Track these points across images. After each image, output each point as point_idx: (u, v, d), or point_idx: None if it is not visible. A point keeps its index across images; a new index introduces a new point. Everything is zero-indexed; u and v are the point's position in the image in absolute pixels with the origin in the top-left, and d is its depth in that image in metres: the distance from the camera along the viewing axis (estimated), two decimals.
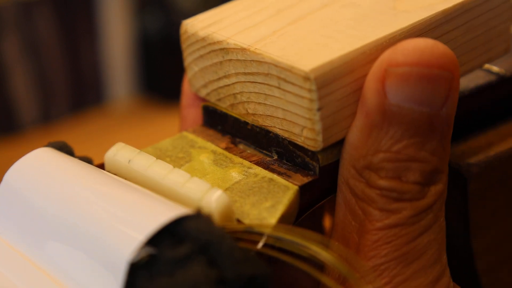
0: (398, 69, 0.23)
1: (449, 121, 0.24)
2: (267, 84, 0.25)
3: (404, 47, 0.23)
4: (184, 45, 0.29)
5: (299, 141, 0.25)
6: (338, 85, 0.24)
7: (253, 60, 0.26)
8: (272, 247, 0.22)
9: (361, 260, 0.24)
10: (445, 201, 0.25)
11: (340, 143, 0.25)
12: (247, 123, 0.28)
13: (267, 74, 0.25)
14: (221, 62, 0.27)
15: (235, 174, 0.26)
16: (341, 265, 0.21)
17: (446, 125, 0.24)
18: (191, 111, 0.31)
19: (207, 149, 0.28)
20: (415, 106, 0.24)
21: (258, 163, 0.27)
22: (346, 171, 0.25)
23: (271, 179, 0.26)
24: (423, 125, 0.24)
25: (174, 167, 0.28)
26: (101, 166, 0.27)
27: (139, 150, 0.26)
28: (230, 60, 0.27)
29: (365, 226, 0.24)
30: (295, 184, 0.25)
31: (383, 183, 0.24)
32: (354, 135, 0.25)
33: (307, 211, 0.27)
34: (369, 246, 0.24)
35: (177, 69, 1.04)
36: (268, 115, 0.26)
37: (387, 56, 0.24)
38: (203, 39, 0.27)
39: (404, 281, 0.24)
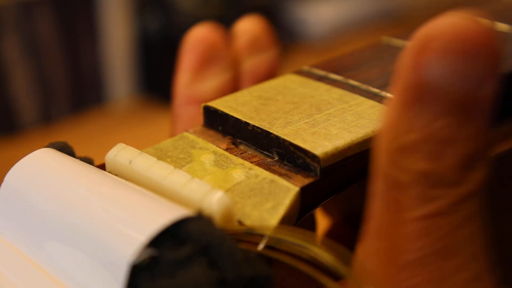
0: (437, 42, 0.22)
1: (490, 102, 0.23)
2: None
3: (445, 21, 0.22)
4: None
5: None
6: None
7: None
8: (273, 248, 0.22)
9: (396, 255, 0.22)
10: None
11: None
12: (248, 124, 0.28)
13: None
14: None
15: (236, 175, 0.26)
16: (342, 266, 0.21)
17: (486, 106, 0.23)
18: (185, 110, 0.31)
19: (208, 150, 0.28)
20: (455, 83, 0.22)
21: (259, 164, 0.27)
22: (378, 157, 0.23)
23: (272, 180, 0.26)
24: (462, 104, 0.22)
25: (175, 167, 0.28)
26: (102, 167, 0.27)
27: (139, 151, 0.26)
28: None
29: (400, 217, 0.22)
30: (296, 185, 0.25)
31: (417, 166, 0.22)
32: (387, 116, 0.23)
33: (308, 212, 0.27)
34: (404, 239, 0.22)
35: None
36: None
37: (427, 29, 0.22)
38: None
39: (445, 277, 0.22)
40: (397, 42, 0.35)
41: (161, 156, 0.28)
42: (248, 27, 0.37)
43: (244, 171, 0.27)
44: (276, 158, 0.27)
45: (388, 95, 0.29)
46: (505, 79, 0.31)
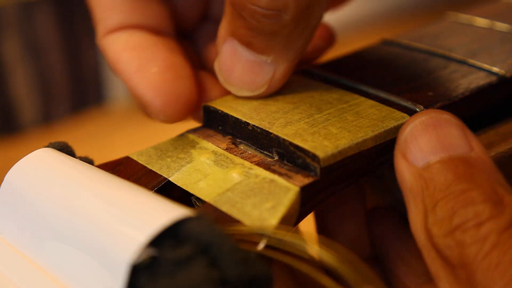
0: (406, 135, 0.25)
1: (485, 161, 0.25)
2: None
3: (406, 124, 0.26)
4: None
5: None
6: None
7: None
8: (273, 248, 0.22)
9: None
10: None
11: None
12: (248, 124, 0.28)
13: None
14: None
15: (236, 175, 0.26)
16: (343, 266, 0.21)
17: (484, 165, 0.25)
18: (114, 38, 0.31)
19: (208, 150, 0.28)
20: (442, 154, 0.25)
21: (259, 164, 0.27)
22: (420, 238, 0.25)
23: (272, 180, 0.26)
24: (461, 167, 0.24)
25: (175, 167, 0.28)
26: (102, 167, 0.27)
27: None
28: None
29: (469, 266, 0.23)
30: (296, 185, 0.25)
31: (455, 225, 0.23)
32: (414, 224, 0.25)
33: (308, 212, 0.27)
34: (483, 278, 0.23)
35: None
36: None
37: (398, 137, 0.26)
38: None
39: None
40: (397, 41, 0.35)
41: (161, 155, 0.28)
42: None
43: (244, 171, 0.27)
44: (276, 158, 0.27)
45: (388, 95, 0.29)
46: (505, 81, 0.31)
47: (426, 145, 0.25)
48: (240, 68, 0.29)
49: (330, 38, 0.35)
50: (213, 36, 0.33)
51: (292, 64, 0.29)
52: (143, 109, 0.31)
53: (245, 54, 0.29)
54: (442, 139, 0.25)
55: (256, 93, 0.30)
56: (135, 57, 0.30)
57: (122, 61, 0.31)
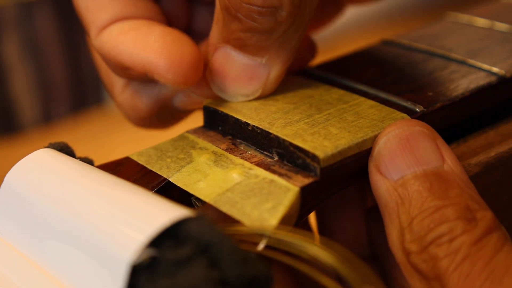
0: (380, 149, 0.26)
1: (458, 173, 0.25)
2: None
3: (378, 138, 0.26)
4: None
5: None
6: None
7: None
8: (273, 248, 0.22)
9: None
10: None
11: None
12: (248, 124, 0.28)
13: None
14: None
15: (236, 175, 0.26)
16: (342, 266, 0.21)
17: (457, 179, 0.25)
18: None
19: (208, 150, 0.28)
20: (416, 169, 0.25)
21: (259, 164, 0.27)
22: (398, 254, 0.25)
23: (272, 180, 0.26)
24: (435, 182, 0.25)
25: (175, 168, 0.28)
26: (102, 167, 0.27)
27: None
28: None
29: (442, 278, 0.24)
30: (296, 185, 0.25)
31: (429, 240, 0.24)
32: (391, 239, 0.25)
33: (308, 212, 0.27)
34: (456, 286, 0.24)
35: None
36: None
37: (372, 149, 0.26)
38: None
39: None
40: (397, 42, 0.35)
41: (161, 156, 0.28)
42: None
43: (244, 171, 0.27)
44: (276, 158, 0.27)
45: (388, 95, 0.29)
46: (505, 81, 0.31)
47: (400, 159, 0.26)
48: (234, 73, 0.29)
49: (313, 49, 0.35)
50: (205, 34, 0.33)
51: (286, 65, 0.30)
52: (151, 75, 0.30)
53: (239, 58, 0.29)
54: (415, 153, 0.26)
55: (251, 97, 0.30)
56: (131, 36, 0.30)
57: (119, 43, 0.30)
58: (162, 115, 0.34)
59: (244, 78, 0.29)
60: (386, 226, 0.26)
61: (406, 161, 0.26)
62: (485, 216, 0.25)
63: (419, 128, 0.26)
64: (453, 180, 0.25)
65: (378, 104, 0.29)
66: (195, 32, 0.36)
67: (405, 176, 0.25)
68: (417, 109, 0.28)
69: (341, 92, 0.30)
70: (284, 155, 0.27)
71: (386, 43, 0.35)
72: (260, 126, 0.28)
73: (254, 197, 0.25)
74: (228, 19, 0.28)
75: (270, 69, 0.29)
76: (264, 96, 0.30)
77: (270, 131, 0.27)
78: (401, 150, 0.26)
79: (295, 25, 0.28)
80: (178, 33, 0.30)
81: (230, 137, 0.29)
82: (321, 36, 0.40)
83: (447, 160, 0.26)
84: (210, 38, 0.30)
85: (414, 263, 0.24)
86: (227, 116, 0.29)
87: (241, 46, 0.28)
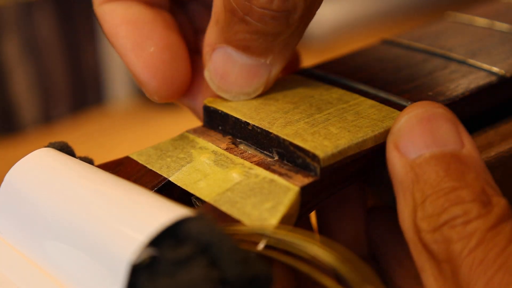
0: (400, 126, 0.26)
1: (476, 159, 0.25)
2: None
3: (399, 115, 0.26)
4: None
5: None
6: None
7: None
8: (273, 248, 0.22)
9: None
10: None
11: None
12: (248, 124, 0.28)
13: None
14: None
15: (236, 175, 0.26)
16: (343, 266, 0.21)
17: (475, 163, 0.25)
18: (109, 8, 0.31)
19: (208, 150, 0.28)
20: (434, 149, 0.25)
21: (259, 164, 0.27)
22: (408, 232, 0.25)
23: (272, 180, 0.26)
24: (452, 163, 0.25)
25: (175, 167, 0.28)
26: (102, 167, 0.27)
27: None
28: None
29: (454, 262, 0.24)
30: (296, 185, 0.25)
31: (443, 221, 0.24)
32: (402, 216, 0.25)
33: (308, 212, 0.27)
34: (467, 274, 0.23)
35: None
36: None
37: (392, 126, 0.26)
38: None
39: None
40: (397, 41, 0.35)
41: (161, 156, 0.28)
42: None
43: (244, 171, 0.27)
44: (276, 157, 0.27)
45: (388, 95, 0.29)
46: (505, 81, 0.31)
47: (419, 138, 0.25)
48: (235, 73, 0.29)
49: (298, 60, 0.35)
50: (206, 3, 0.33)
51: (286, 63, 0.30)
52: (138, 85, 0.31)
53: (241, 59, 0.29)
54: (435, 134, 0.25)
55: (252, 96, 0.30)
56: (132, 33, 0.30)
57: (119, 36, 0.31)
58: None
59: (246, 78, 0.29)
60: (398, 203, 0.25)
61: (426, 140, 0.25)
62: (500, 201, 0.24)
63: (441, 110, 0.26)
64: (470, 164, 0.25)
65: (378, 103, 0.29)
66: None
67: (423, 155, 0.25)
68: None
69: (341, 91, 0.30)
70: (284, 154, 0.27)
71: (386, 43, 0.35)
72: (260, 126, 0.28)
73: (254, 197, 0.25)
74: (232, 20, 0.28)
75: (272, 68, 0.29)
76: (263, 94, 0.30)
77: (270, 130, 0.27)
78: (421, 129, 0.26)
79: (302, 25, 0.28)
80: (175, 47, 0.31)
81: (230, 136, 0.29)
82: (321, 36, 0.40)
83: (466, 145, 0.25)
84: (207, 38, 0.30)
85: (425, 242, 0.24)
86: (227, 115, 0.29)
87: (245, 48, 0.28)
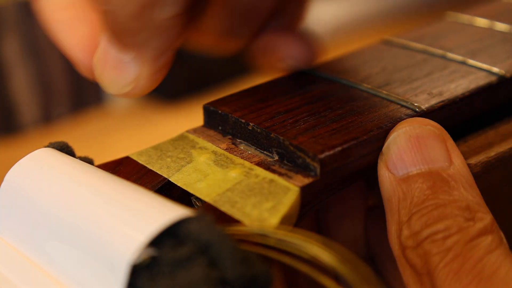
0: (389, 144, 0.26)
1: (464, 175, 0.25)
2: None
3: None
4: None
5: None
6: None
7: None
8: (273, 248, 0.22)
9: None
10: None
11: None
12: (248, 124, 0.28)
13: None
14: None
15: (236, 175, 0.26)
16: (342, 266, 0.21)
17: (463, 181, 0.25)
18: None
19: (208, 150, 0.28)
20: (421, 167, 0.25)
21: (259, 164, 0.27)
22: (394, 248, 0.26)
23: (272, 180, 0.26)
24: (438, 181, 0.25)
25: (175, 167, 0.28)
26: (102, 167, 0.27)
27: None
28: None
29: (432, 274, 0.24)
30: (296, 185, 0.25)
31: (425, 236, 0.24)
32: (390, 233, 0.26)
33: (308, 212, 0.27)
34: (442, 285, 0.24)
35: (177, 69, 1.04)
36: None
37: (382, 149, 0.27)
38: None
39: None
40: (397, 41, 0.35)
41: (161, 155, 0.28)
42: None
43: (244, 171, 0.27)
44: (276, 158, 0.27)
45: (388, 95, 0.29)
46: (505, 81, 0.31)
47: (407, 156, 0.26)
48: (109, 64, 0.29)
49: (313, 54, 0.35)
50: None
51: (156, 66, 0.28)
52: (74, 63, 0.31)
53: (111, 51, 0.29)
54: (423, 151, 0.26)
55: (122, 91, 0.29)
56: (66, 17, 0.31)
57: (55, 21, 0.31)
58: None
59: (115, 71, 0.29)
60: (387, 220, 0.26)
61: (413, 158, 0.26)
62: (484, 218, 0.25)
63: (430, 127, 0.26)
64: (458, 181, 0.25)
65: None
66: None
67: (410, 173, 0.25)
68: (417, 109, 0.28)
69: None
70: (284, 154, 0.27)
71: (386, 42, 0.35)
72: (260, 126, 0.28)
73: (254, 197, 0.25)
74: (99, 11, 0.28)
75: (141, 68, 0.28)
76: (139, 95, 0.29)
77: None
78: (409, 147, 0.26)
79: (142, 23, 0.27)
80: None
81: (230, 136, 0.29)
82: (321, 36, 0.40)
83: (454, 162, 0.26)
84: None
85: (408, 258, 0.25)
86: (227, 115, 0.29)
87: (111, 40, 0.28)
